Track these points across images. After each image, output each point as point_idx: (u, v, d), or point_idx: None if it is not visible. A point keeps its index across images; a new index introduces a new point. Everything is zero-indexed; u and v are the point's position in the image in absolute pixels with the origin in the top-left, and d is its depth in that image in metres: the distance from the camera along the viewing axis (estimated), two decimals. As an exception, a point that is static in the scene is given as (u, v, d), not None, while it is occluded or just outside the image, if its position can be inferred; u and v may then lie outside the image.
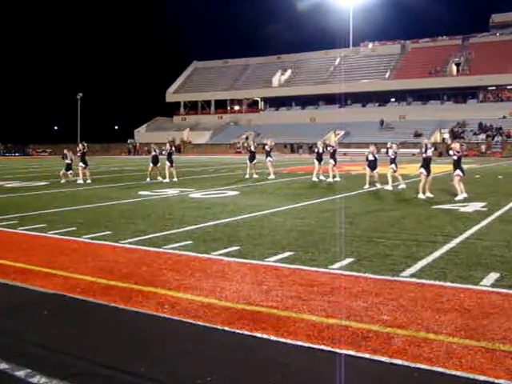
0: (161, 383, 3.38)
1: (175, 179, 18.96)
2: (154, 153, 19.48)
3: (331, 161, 18.60)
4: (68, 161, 19.51)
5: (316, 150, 19.24)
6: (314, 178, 18.81)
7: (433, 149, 14.43)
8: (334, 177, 18.58)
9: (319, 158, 18.94)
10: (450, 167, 13.40)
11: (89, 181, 18.96)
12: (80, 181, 18.82)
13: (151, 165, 19.53)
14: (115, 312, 4.71)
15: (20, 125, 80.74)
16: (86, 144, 19.69)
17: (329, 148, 19.45)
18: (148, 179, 19.15)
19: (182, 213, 10.79)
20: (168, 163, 19.05)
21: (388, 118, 62.15)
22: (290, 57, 78.35)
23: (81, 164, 19.03)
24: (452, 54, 66.45)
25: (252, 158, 20.60)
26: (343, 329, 4.19)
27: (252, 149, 20.89)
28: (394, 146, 16.56)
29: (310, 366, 3.59)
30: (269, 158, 20.49)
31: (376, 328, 4.20)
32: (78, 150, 19.33)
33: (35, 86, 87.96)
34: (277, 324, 4.31)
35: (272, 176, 20.27)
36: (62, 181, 19.06)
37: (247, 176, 20.44)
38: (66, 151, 19.99)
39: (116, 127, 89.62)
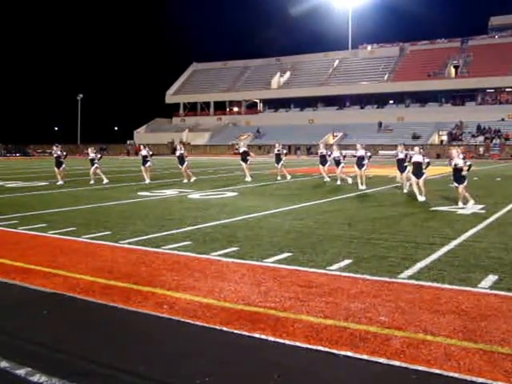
0: (159, 383, 3.40)
1: (185, 180, 19.02)
2: (144, 153, 19.27)
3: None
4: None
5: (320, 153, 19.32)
6: (327, 179, 18.80)
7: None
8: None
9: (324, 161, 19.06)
10: (447, 169, 13.25)
11: (92, 181, 19.04)
12: (106, 180, 18.84)
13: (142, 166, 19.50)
14: (114, 312, 4.72)
15: (20, 125, 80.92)
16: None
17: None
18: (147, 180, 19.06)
19: (181, 213, 10.80)
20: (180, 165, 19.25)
21: (386, 119, 62.24)
22: (289, 59, 78.38)
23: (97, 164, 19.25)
24: (450, 57, 66.59)
25: (245, 159, 20.25)
26: (341, 330, 4.21)
27: (241, 151, 20.61)
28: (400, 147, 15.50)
29: (308, 367, 3.61)
30: (281, 163, 20.45)
31: (374, 329, 4.21)
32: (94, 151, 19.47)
33: (36, 86, 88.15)
34: (275, 325, 4.32)
35: (288, 177, 20.38)
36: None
37: (248, 179, 19.81)
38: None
39: (116, 128, 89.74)
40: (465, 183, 11.69)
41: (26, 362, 3.62)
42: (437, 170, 22.55)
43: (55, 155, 19.46)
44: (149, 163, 19.15)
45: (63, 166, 19.36)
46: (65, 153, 19.96)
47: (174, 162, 19.59)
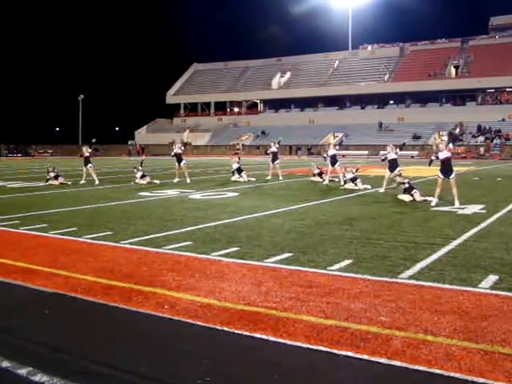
0: (161, 383, 3.41)
1: (188, 180, 18.85)
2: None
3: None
4: None
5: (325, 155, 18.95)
6: (326, 182, 18.42)
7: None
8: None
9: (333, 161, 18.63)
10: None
11: (83, 181, 19.20)
12: (97, 181, 18.92)
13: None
14: (115, 312, 4.73)
15: (22, 126, 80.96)
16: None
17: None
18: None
19: (182, 214, 10.81)
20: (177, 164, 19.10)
21: (387, 120, 62.20)
22: (290, 59, 78.39)
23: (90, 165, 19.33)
24: (451, 57, 66.57)
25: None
26: (342, 330, 4.21)
27: (268, 151, 20.82)
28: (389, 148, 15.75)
29: (309, 367, 3.62)
30: (277, 161, 20.39)
31: (375, 329, 4.22)
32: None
33: (37, 87, 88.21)
34: (276, 325, 4.33)
35: (281, 177, 20.30)
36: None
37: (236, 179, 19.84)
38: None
39: (117, 128, 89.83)
40: (453, 175, 12.12)
41: (27, 361, 3.63)
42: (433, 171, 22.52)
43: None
44: (184, 161, 18.99)
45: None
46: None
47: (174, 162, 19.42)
